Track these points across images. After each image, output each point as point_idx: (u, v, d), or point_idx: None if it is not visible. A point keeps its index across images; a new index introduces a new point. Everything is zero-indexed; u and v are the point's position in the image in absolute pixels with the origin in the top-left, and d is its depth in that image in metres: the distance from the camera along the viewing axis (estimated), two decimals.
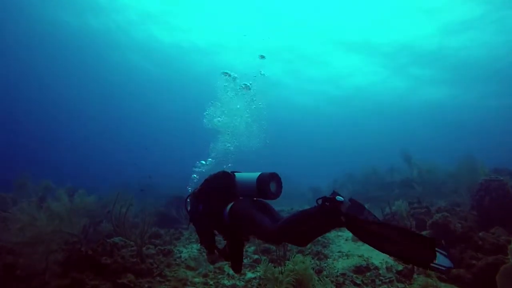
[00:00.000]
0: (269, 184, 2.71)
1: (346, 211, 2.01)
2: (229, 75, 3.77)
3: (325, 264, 5.85)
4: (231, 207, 2.69)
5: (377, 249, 1.86)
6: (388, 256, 6.50)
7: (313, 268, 4.93)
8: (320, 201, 2.09)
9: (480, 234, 6.00)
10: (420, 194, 11.58)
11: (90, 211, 5.25)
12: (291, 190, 24.27)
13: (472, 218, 7.03)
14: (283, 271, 5.09)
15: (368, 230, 1.87)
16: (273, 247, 7.38)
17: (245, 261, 6.47)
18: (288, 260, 5.99)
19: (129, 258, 4.81)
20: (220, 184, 2.88)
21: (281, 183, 2.83)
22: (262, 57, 4.60)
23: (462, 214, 7.34)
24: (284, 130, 47.48)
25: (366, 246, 6.45)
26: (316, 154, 63.10)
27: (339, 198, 2.03)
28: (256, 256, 6.40)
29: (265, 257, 6.62)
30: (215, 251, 3.01)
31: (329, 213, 2.05)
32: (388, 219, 8.23)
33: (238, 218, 2.63)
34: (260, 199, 2.84)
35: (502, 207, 6.51)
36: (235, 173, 2.93)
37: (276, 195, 2.78)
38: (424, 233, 6.56)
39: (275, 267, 5.18)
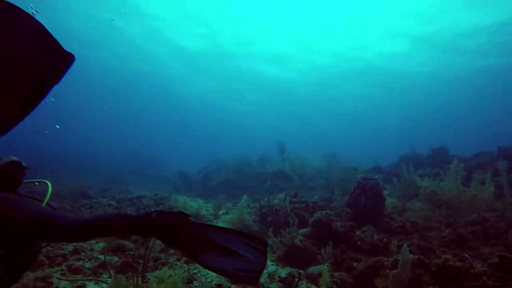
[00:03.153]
0: None
1: None
2: None
3: (196, 271, 4.67)
4: None
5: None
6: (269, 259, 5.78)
7: (184, 281, 3.68)
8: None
9: (358, 233, 5.86)
10: (292, 187, 11.66)
11: None
12: (157, 174, 22.48)
13: (346, 216, 6.98)
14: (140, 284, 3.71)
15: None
16: (129, 244, 5.81)
17: (87, 264, 4.75)
18: (150, 263, 4.61)
19: None
20: None
21: None
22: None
23: (336, 211, 7.27)
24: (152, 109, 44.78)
25: None
26: (189, 138, 61.79)
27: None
28: (104, 257, 4.74)
29: (117, 259, 5.06)
30: None
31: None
32: (265, 212, 7.62)
33: None
34: None
35: (375, 206, 6.58)
36: None
37: None
38: (305, 230, 6.09)
39: (128, 278, 3.74)
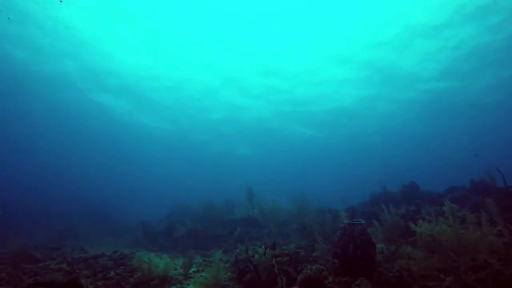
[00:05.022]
0: None
1: None
2: None
3: None
4: None
5: None
6: None
7: None
8: None
9: None
10: (265, 235, 10.81)
11: None
12: (116, 224, 20.48)
13: (333, 267, 6.29)
14: None
15: None
16: None
17: None
18: None
19: None
20: None
21: None
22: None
23: (321, 262, 6.56)
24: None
25: None
26: (148, 183, 58.74)
27: None
28: None
29: None
30: None
31: None
32: (243, 269, 6.68)
33: None
34: None
35: (365, 254, 5.95)
36: None
37: None
38: None
39: None
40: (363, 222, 6.36)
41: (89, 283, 6.27)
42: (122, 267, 7.80)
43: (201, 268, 7.57)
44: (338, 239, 6.36)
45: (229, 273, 7.05)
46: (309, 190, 16.46)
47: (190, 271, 7.47)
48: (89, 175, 53.68)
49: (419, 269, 5.67)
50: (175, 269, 7.55)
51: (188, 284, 6.73)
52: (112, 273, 7.33)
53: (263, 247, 6.37)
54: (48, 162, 45.85)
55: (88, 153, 44.42)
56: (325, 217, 9.92)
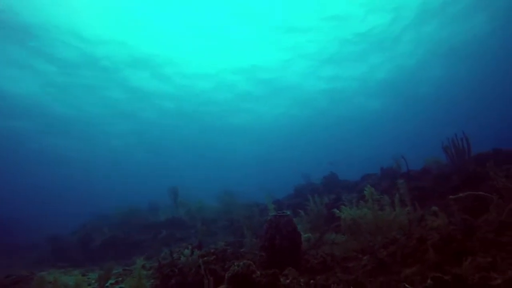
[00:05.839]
0: None
1: None
2: None
3: None
4: None
5: None
6: None
7: None
8: None
9: (282, 280, 5.15)
10: (192, 235, 10.42)
11: None
12: (10, 245, 17.83)
13: (261, 261, 6.27)
14: None
15: None
16: None
17: None
18: None
19: None
20: None
21: None
22: None
23: (249, 257, 6.51)
24: None
25: None
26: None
27: None
28: None
29: None
30: None
31: None
32: (168, 273, 6.28)
33: None
34: None
35: (292, 244, 6.05)
36: None
37: None
38: None
39: None
40: (289, 213, 6.46)
41: None
42: None
43: (120, 279, 6.94)
44: (265, 232, 6.35)
45: (153, 280, 6.59)
46: (235, 188, 16.45)
47: (108, 284, 6.79)
48: None
49: (341, 253, 5.96)
50: (89, 284, 6.79)
51: None
52: None
53: (189, 248, 6.06)
54: None
55: None
56: (252, 211, 9.95)
